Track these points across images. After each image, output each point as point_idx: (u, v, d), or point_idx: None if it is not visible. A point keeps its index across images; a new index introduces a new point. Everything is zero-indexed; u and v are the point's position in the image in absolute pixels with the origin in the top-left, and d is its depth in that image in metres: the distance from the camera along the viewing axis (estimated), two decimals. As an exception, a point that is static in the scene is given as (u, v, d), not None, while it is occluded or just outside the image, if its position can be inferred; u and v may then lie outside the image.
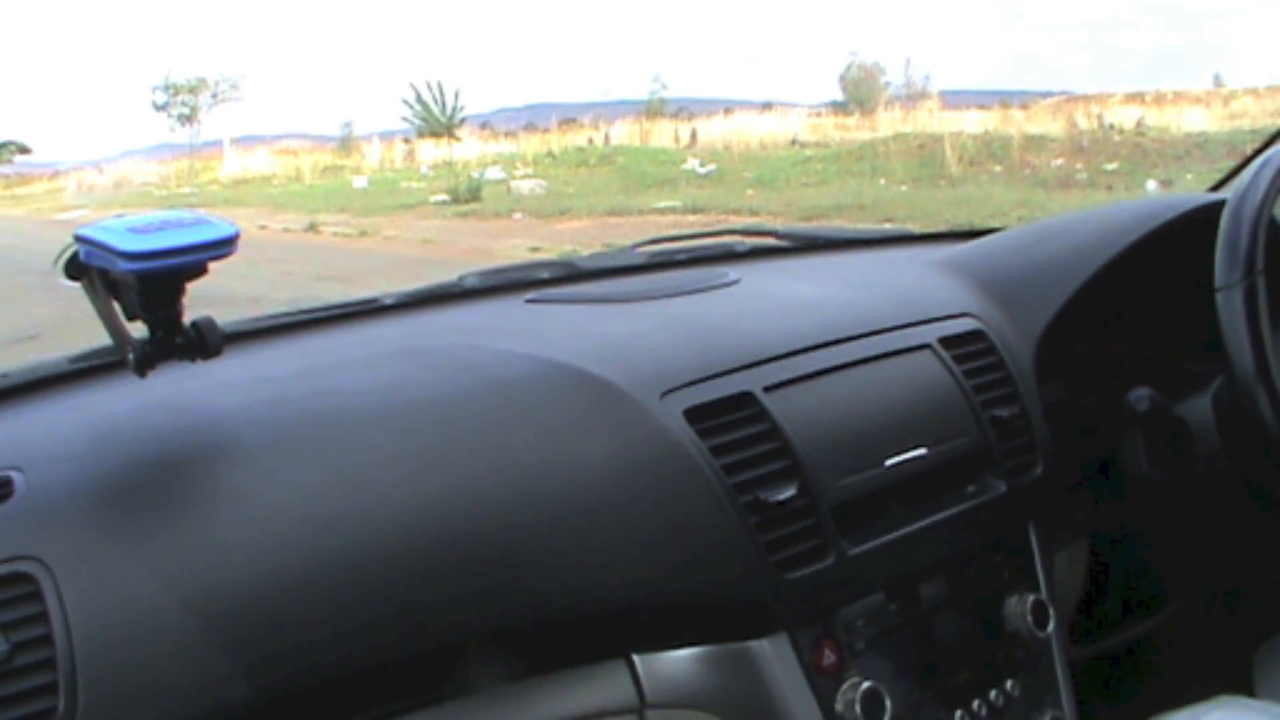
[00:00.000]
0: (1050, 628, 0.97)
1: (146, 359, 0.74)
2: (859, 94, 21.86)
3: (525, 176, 15.60)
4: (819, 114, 20.15)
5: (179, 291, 0.71)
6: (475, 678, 0.79)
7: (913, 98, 20.17)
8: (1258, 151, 1.32)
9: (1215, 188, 1.39)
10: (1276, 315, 0.97)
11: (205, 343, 0.74)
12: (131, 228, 0.67)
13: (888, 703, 0.85)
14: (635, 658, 0.84)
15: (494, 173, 16.28)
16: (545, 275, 1.23)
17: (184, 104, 25.53)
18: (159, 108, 25.73)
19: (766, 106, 20.65)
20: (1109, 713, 1.12)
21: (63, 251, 0.71)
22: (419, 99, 21.21)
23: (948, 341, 1.01)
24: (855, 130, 17.49)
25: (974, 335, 1.04)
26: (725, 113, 19.78)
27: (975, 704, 0.94)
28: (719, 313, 1.05)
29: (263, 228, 12.40)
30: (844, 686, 0.86)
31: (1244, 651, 1.01)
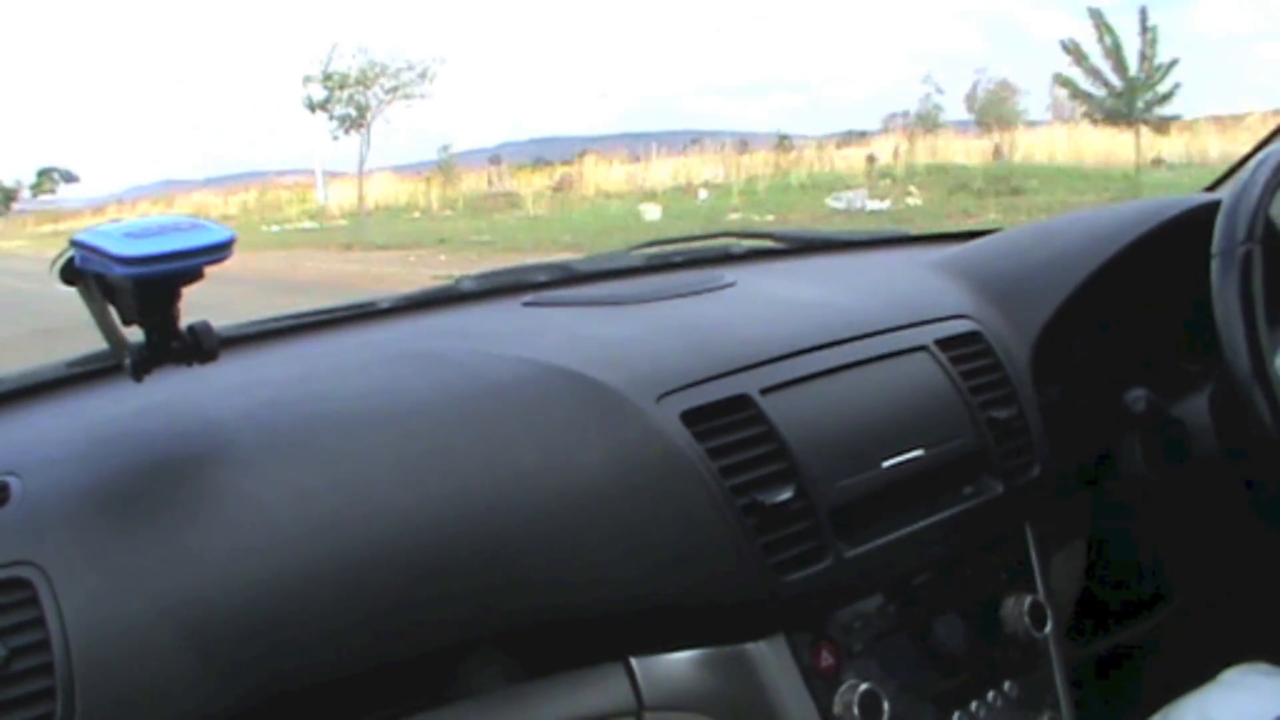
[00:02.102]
0: (1048, 628, 0.97)
1: (143, 363, 0.74)
2: (992, 114, 19.92)
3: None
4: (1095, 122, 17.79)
5: (175, 296, 0.71)
6: (473, 681, 0.79)
7: (1060, 120, 17.96)
8: (1253, 153, 1.32)
9: (1211, 187, 1.39)
10: (1273, 315, 0.97)
11: (201, 347, 0.74)
12: (128, 232, 0.67)
13: (885, 705, 0.85)
14: (633, 660, 0.84)
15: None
16: (542, 278, 1.23)
17: (352, 99, 18.13)
18: (314, 105, 18.35)
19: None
20: (1107, 713, 1.12)
21: (59, 256, 0.71)
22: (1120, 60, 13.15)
23: (944, 343, 1.01)
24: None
25: (971, 336, 1.04)
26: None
27: (973, 705, 0.94)
28: (716, 315, 1.05)
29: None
30: (842, 688, 0.86)
31: (1241, 652, 1.01)
